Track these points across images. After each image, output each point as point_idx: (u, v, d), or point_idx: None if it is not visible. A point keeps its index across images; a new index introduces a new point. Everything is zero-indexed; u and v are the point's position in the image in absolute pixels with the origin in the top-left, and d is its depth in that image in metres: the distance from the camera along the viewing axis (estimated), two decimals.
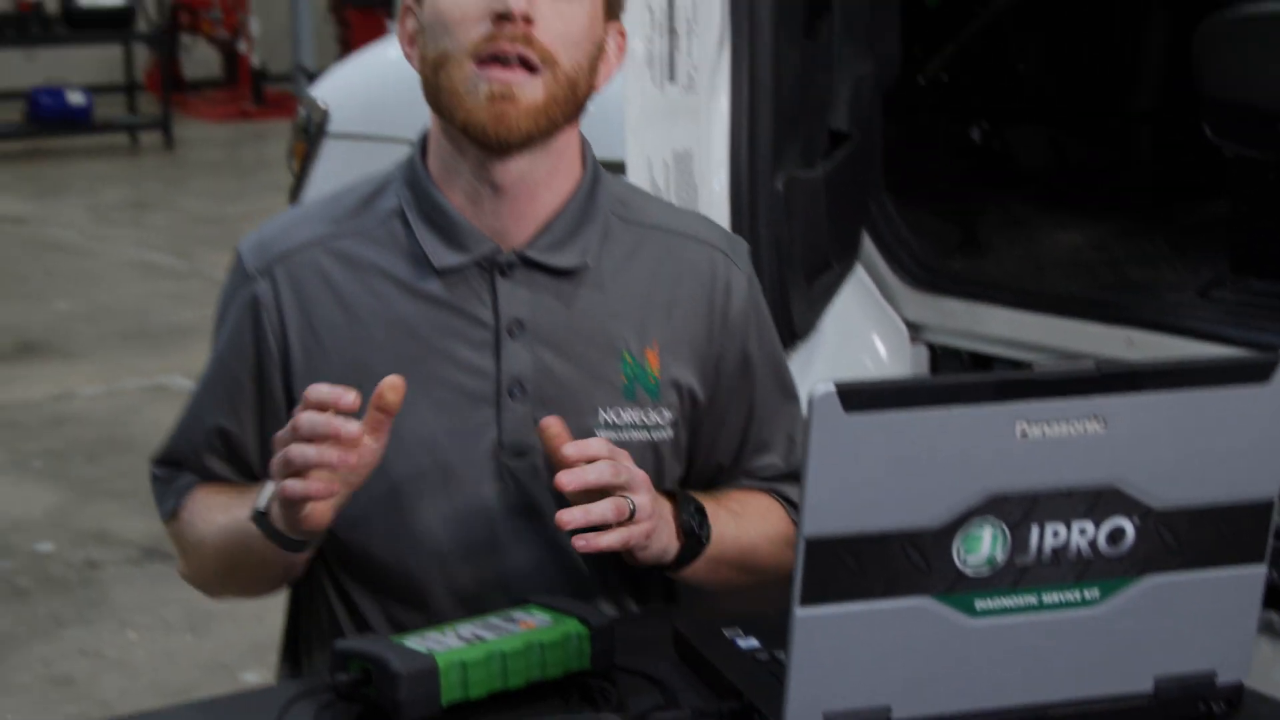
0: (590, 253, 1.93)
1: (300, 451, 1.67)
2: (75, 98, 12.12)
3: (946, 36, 4.13)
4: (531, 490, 1.90)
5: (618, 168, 2.71)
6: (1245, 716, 1.62)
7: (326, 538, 1.87)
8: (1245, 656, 1.62)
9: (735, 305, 1.99)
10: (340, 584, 1.97)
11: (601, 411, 1.91)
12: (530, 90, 1.82)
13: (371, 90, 3.90)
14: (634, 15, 2.53)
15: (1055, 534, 1.52)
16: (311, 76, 10.22)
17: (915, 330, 3.48)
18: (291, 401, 1.89)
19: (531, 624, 1.69)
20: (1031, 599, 1.53)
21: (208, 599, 2.18)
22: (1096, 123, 4.43)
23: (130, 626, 4.35)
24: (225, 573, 1.97)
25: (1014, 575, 1.52)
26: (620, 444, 1.85)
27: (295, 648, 2.11)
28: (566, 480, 1.73)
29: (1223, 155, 3.33)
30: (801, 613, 1.46)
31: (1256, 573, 1.58)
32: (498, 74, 1.81)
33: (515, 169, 1.87)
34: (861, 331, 3.43)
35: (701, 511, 1.88)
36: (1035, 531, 1.51)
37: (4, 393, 6.33)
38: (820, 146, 3.05)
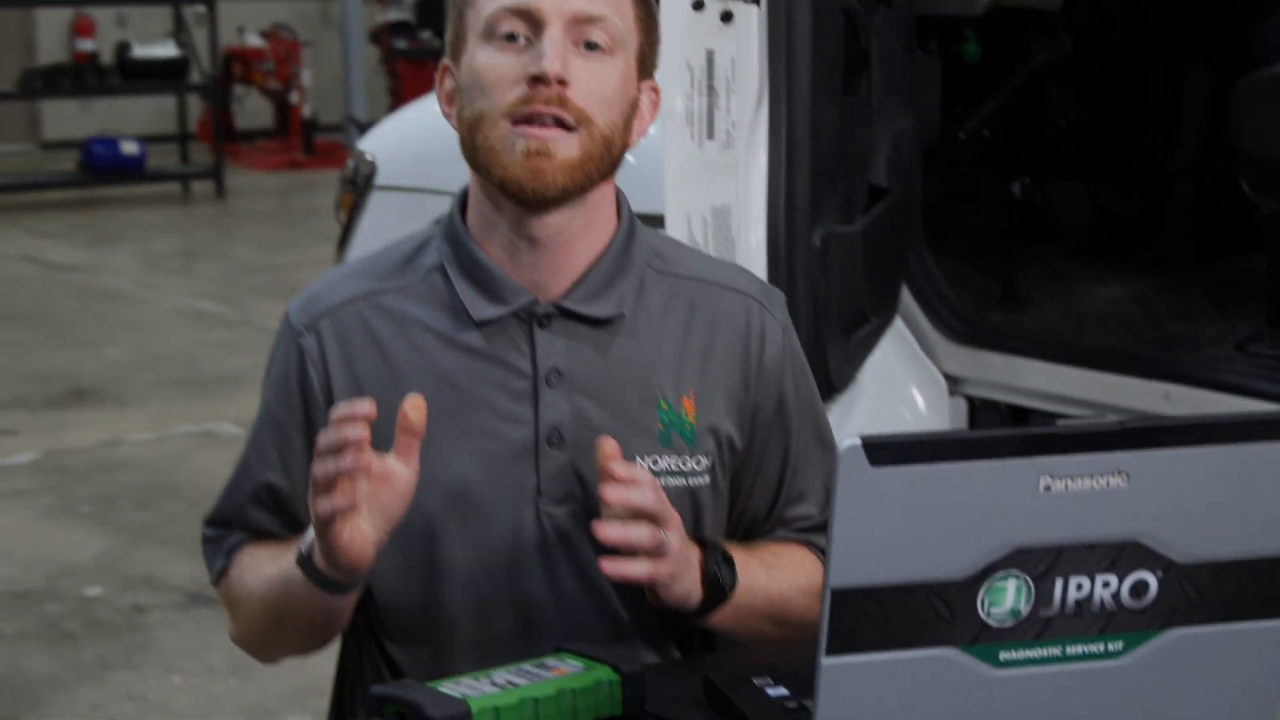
0: (626, 303, 1.96)
1: (323, 467, 1.70)
2: (129, 147, 12.25)
3: (987, 92, 4.17)
4: (570, 537, 1.93)
5: (654, 221, 2.75)
6: None
7: (367, 588, 1.91)
8: (1269, 710, 1.63)
9: (770, 354, 2.02)
10: (379, 631, 2.00)
11: (639, 459, 1.94)
12: (566, 146, 1.86)
13: (418, 144, 3.96)
14: (673, 73, 2.58)
15: (1079, 587, 1.53)
16: (362, 127, 10.32)
17: (954, 383, 3.51)
18: None
19: (564, 670, 1.72)
20: (1055, 650, 1.54)
21: None
22: (1136, 178, 4.45)
23: (175, 671, 4.39)
24: (273, 626, 1.99)
25: (1038, 627, 1.53)
26: None
27: (341, 699, 2.14)
28: (613, 496, 1.76)
29: (1261, 211, 3.35)
30: (827, 662, 1.48)
31: None
32: (534, 131, 1.86)
33: (552, 223, 1.91)
34: (900, 384, 3.46)
35: (729, 561, 1.90)
36: (1059, 584, 1.53)
37: (55, 438, 6.39)
38: (859, 201, 3.09)
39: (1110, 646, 1.56)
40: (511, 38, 1.88)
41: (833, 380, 2.87)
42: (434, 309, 1.95)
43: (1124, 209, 4.45)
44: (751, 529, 2.06)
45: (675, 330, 1.98)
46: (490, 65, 1.88)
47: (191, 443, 6.32)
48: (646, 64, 1.97)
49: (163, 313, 8.61)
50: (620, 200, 2.00)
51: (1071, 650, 1.55)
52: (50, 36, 14.23)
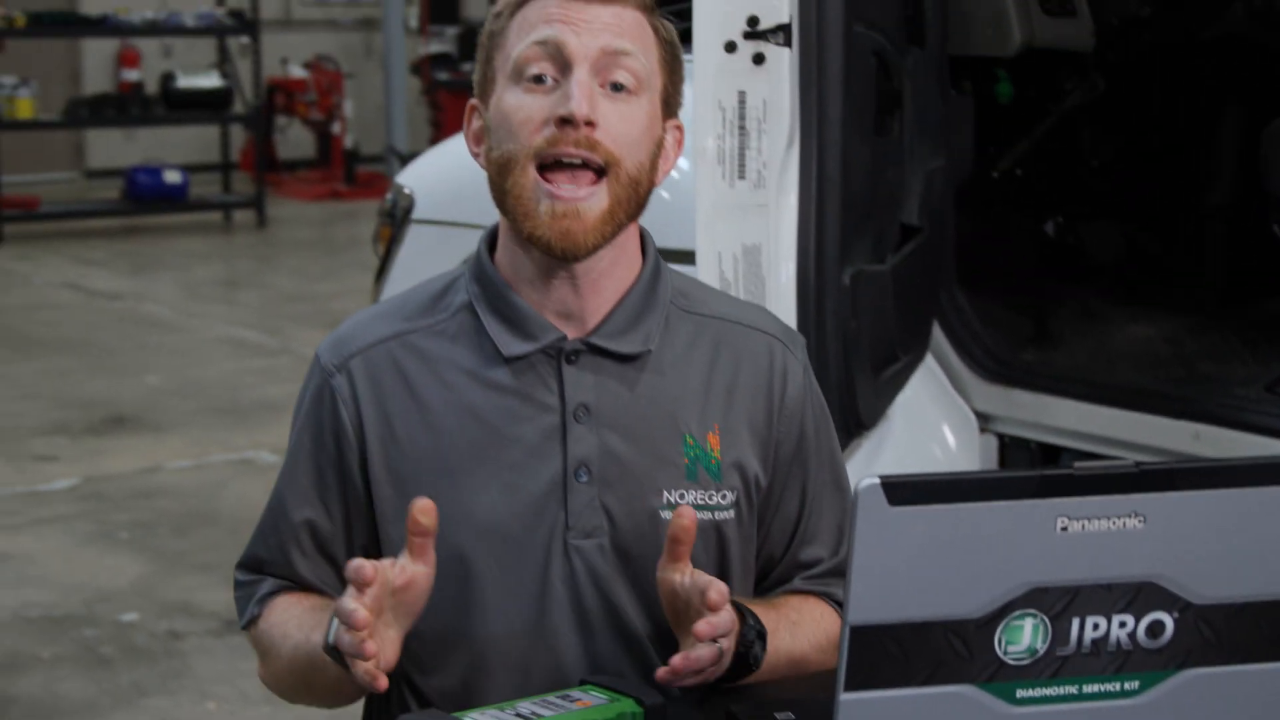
0: (652, 339, 1.99)
1: (346, 605, 1.73)
2: (172, 176, 12.36)
3: (1020, 132, 4.20)
4: (597, 570, 1.96)
5: (679, 257, 2.78)
6: None
7: None
8: None
9: (793, 392, 2.05)
10: (406, 661, 2.02)
11: (665, 493, 1.96)
12: (595, 203, 1.89)
13: (456, 178, 4.00)
14: (706, 113, 2.61)
15: (1095, 626, 1.55)
16: (403, 158, 10.39)
17: (984, 421, 3.53)
18: (369, 491, 1.97)
19: (588, 703, 1.75)
20: (1072, 689, 1.56)
21: None
22: (1168, 219, 4.47)
23: (210, 698, 4.42)
24: (301, 688, 2.01)
25: (1054, 665, 1.55)
26: None
27: None
28: (704, 631, 1.78)
29: None
30: (846, 698, 1.50)
31: None
32: (562, 191, 1.88)
33: (579, 265, 1.94)
34: (931, 421, 3.48)
35: (762, 637, 1.90)
36: (1075, 623, 1.55)
37: (94, 465, 6.45)
38: (891, 240, 3.11)
39: (1126, 685, 1.57)
40: (539, 79, 1.91)
41: (862, 417, 2.89)
42: (463, 347, 1.98)
43: (1156, 249, 4.46)
44: (766, 567, 2.09)
45: (700, 367, 2.01)
46: (518, 106, 1.91)
47: (230, 470, 6.36)
48: (670, 103, 2.00)
49: (203, 341, 8.67)
50: (645, 239, 2.04)
51: (1088, 689, 1.57)
52: (96, 66, 14.38)
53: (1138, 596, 1.55)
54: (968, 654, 1.53)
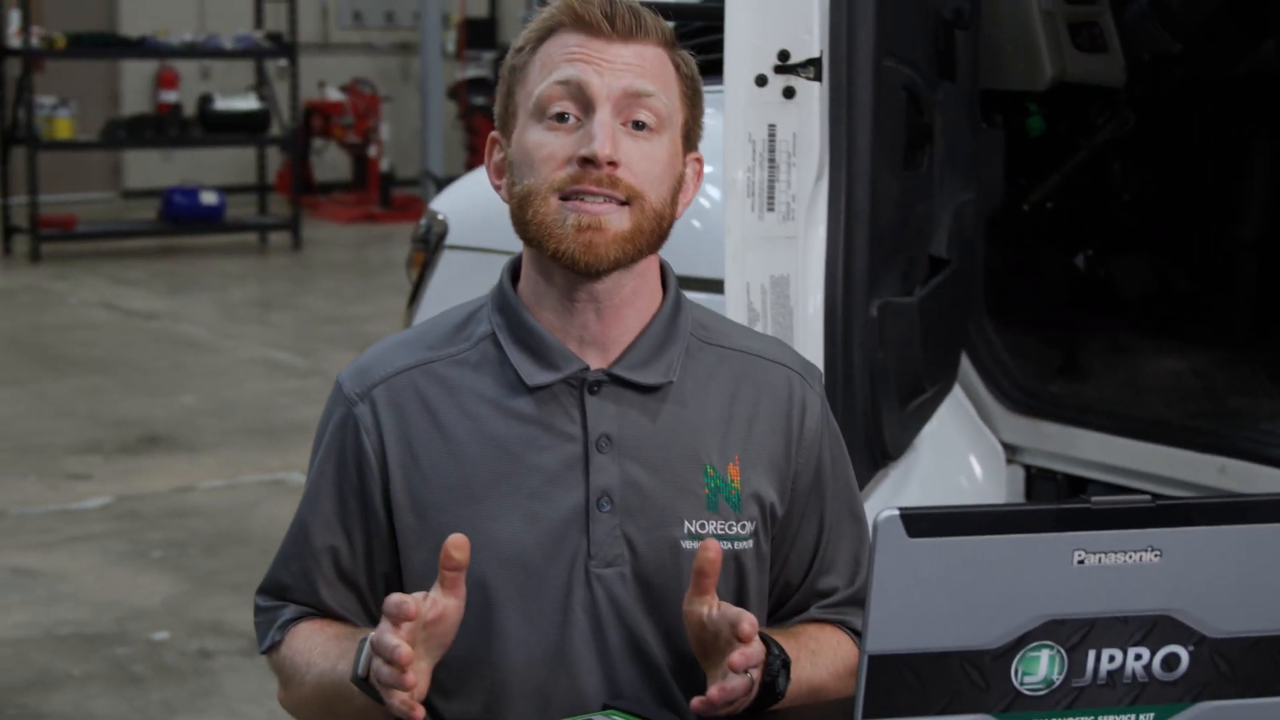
0: (674, 370, 2.01)
1: (388, 640, 1.76)
2: (208, 197, 12.43)
3: (1051, 166, 4.22)
4: (618, 598, 1.97)
5: (710, 285, 2.81)
6: None
7: None
8: None
9: (811, 425, 2.07)
10: (430, 689, 2.03)
11: (686, 523, 1.98)
12: (618, 220, 1.92)
13: (489, 204, 4.00)
14: (735, 146, 2.64)
15: (1111, 658, 1.57)
16: (438, 182, 10.45)
17: (1011, 452, 3.54)
18: (391, 519, 1.99)
19: None
20: None
21: None
22: (1199, 252, 4.48)
23: (239, 717, 4.45)
24: (325, 715, 2.02)
25: (1070, 696, 1.57)
26: None
27: None
28: (739, 662, 1.81)
29: None
30: None
31: None
32: (586, 206, 1.91)
33: (602, 288, 1.96)
34: (959, 452, 3.50)
35: (786, 666, 1.92)
36: (1091, 655, 1.57)
37: (128, 484, 6.49)
38: (919, 272, 3.13)
39: (1141, 718, 1.59)
40: (562, 117, 1.93)
41: (888, 448, 2.92)
42: (486, 376, 2.00)
43: (1186, 283, 4.48)
44: (784, 596, 2.11)
45: (720, 399, 2.03)
46: (540, 144, 1.94)
47: (262, 491, 6.41)
48: (691, 137, 2.02)
49: (238, 361, 8.73)
50: (667, 272, 2.06)
51: None
52: (135, 88, 14.49)
53: (1153, 629, 1.57)
54: (984, 684, 1.55)
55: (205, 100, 12.78)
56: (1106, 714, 1.59)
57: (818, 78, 2.66)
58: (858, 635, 2.08)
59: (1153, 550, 1.55)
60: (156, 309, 10.12)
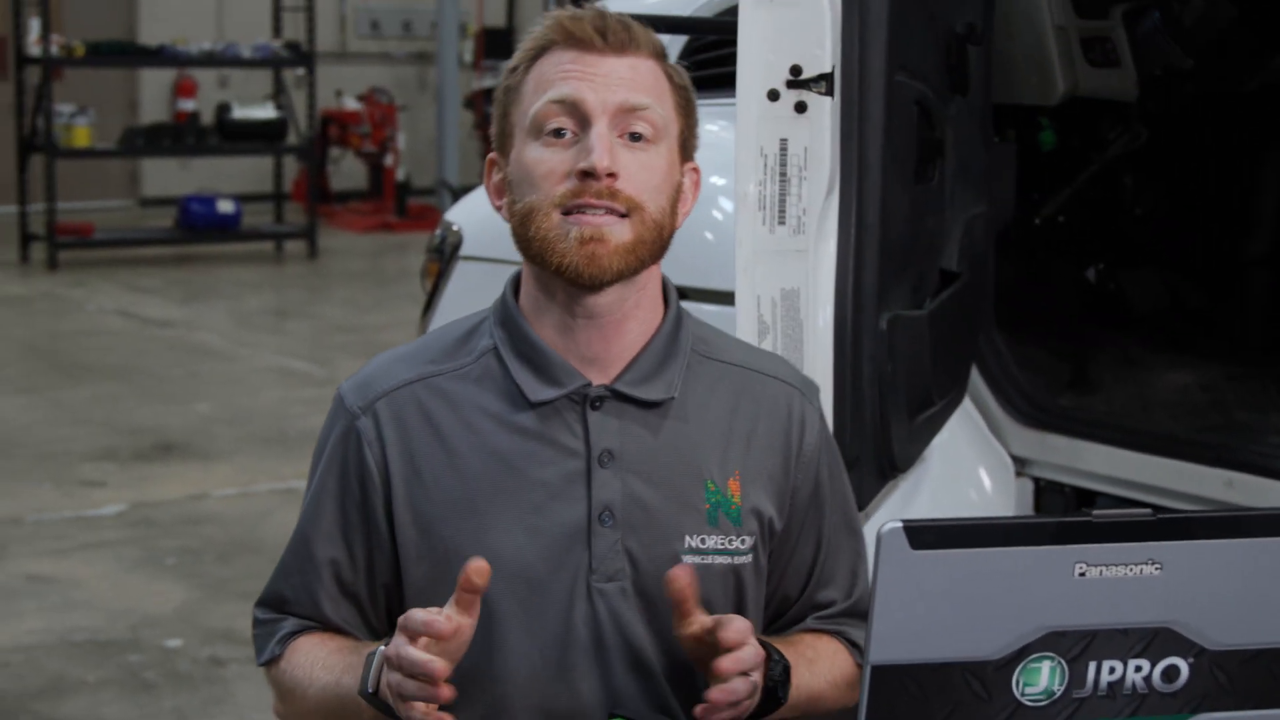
0: (675, 386, 2.03)
1: (415, 656, 1.79)
2: (225, 206, 12.47)
3: (1062, 180, 4.23)
4: (620, 612, 1.99)
5: (722, 297, 2.83)
6: None
7: None
8: None
9: (810, 440, 2.10)
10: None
11: (687, 538, 2.00)
12: (619, 231, 1.94)
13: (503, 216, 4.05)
14: (747, 160, 2.66)
15: (1111, 670, 1.59)
16: (455, 191, 10.47)
17: (1021, 465, 3.56)
18: (393, 532, 2.01)
19: None
20: None
21: None
22: (1210, 267, 4.49)
23: None
24: None
25: (1071, 707, 1.59)
26: (703, 569, 1.96)
27: None
28: (727, 666, 1.84)
29: None
30: None
31: None
32: (587, 219, 1.93)
33: (604, 302, 1.98)
34: (968, 465, 3.51)
35: (787, 672, 1.94)
36: (1092, 666, 1.59)
37: (142, 491, 6.52)
38: (930, 286, 3.14)
39: None
40: (559, 133, 1.95)
41: (896, 460, 2.93)
42: (488, 391, 2.01)
43: (1197, 297, 4.49)
44: (782, 608, 2.13)
45: (721, 414, 2.05)
46: (539, 160, 1.96)
47: (275, 499, 6.43)
48: (687, 147, 2.05)
49: (253, 370, 8.76)
50: (667, 287, 2.08)
51: None
52: (153, 97, 14.55)
53: (1153, 641, 1.59)
54: (986, 695, 1.57)
55: (223, 109, 12.82)
56: None
57: (829, 93, 2.68)
58: (854, 646, 2.10)
59: (1153, 563, 1.57)
60: (172, 317, 10.15)
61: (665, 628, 1.97)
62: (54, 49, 11.76)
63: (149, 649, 4.92)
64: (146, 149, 12.86)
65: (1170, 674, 1.61)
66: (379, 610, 2.06)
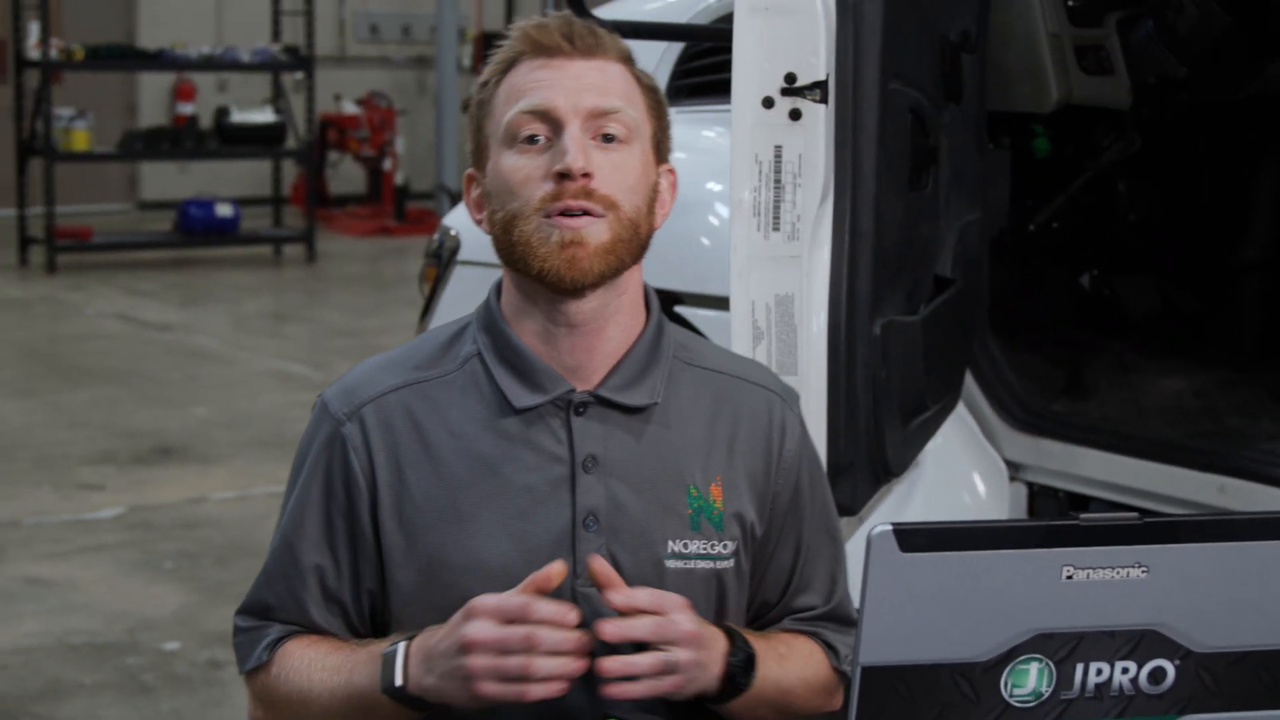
0: (658, 392, 2.04)
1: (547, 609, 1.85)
2: (224, 209, 12.48)
3: (1057, 187, 4.26)
4: (604, 617, 1.97)
5: (719, 302, 2.85)
6: None
7: None
8: None
9: (790, 446, 2.12)
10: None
11: (670, 543, 2.02)
12: (597, 232, 1.96)
13: None
14: (742, 166, 2.68)
15: (1099, 671, 1.61)
16: (453, 195, 10.49)
17: (1015, 469, 3.58)
18: (379, 538, 2.02)
19: None
20: None
21: None
22: (1204, 274, 4.51)
23: None
24: None
25: (1058, 709, 1.61)
26: (686, 573, 1.99)
27: None
28: (610, 631, 1.86)
29: None
30: None
31: None
32: (567, 222, 1.95)
33: (586, 307, 2.00)
34: (962, 469, 3.53)
35: (750, 659, 1.96)
36: (1079, 668, 1.61)
37: (140, 494, 6.53)
38: (924, 292, 3.17)
39: None
40: (532, 139, 1.98)
41: (890, 465, 2.95)
42: (472, 397, 2.03)
43: (1191, 304, 4.51)
44: (760, 614, 2.15)
45: (703, 420, 2.07)
46: (515, 168, 1.98)
47: (273, 503, 6.43)
48: (661, 149, 2.07)
49: (251, 373, 8.77)
50: (649, 294, 2.10)
51: None
52: (152, 100, 14.57)
53: (1140, 644, 1.61)
54: (974, 696, 1.59)
55: (222, 113, 12.83)
56: None
57: (824, 100, 2.70)
58: (830, 649, 2.12)
59: (1139, 566, 1.59)
60: (171, 320, 10.16)
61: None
62: (53, 52, 11.78)
63: (147, 652, 4.93)
64: (145, 152, 12.87)
65: (1157, 676, 1.63)
66: (363, 615, 2.07)
